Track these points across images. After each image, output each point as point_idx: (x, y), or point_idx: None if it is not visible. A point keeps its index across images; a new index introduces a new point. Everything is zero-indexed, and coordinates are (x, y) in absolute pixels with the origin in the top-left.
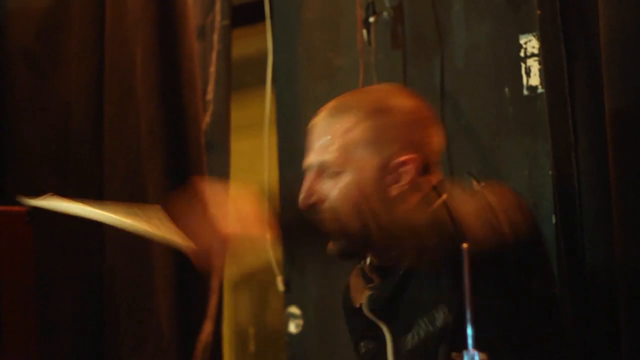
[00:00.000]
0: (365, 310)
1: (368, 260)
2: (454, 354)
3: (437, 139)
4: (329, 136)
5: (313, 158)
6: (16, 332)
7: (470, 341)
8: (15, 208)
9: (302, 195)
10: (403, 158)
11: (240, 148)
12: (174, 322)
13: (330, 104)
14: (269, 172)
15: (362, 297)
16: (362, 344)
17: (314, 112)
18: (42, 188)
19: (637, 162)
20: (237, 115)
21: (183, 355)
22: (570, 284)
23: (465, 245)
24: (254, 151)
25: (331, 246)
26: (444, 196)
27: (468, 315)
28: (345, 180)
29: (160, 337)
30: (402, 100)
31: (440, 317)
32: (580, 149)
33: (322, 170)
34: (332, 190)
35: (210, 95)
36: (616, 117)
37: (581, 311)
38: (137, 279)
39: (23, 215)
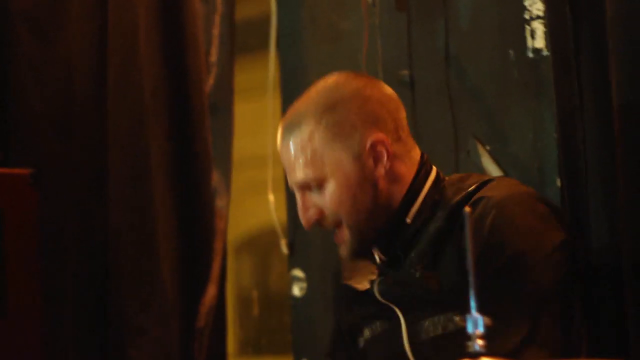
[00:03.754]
0: (376, 294)
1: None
2: (457, 318)
3: (392, 109)
4: (294, 155)
5: (292, 180)
6: (21, 295)
7: (473, 305)
8: (19, 170)
9: (301, 217)
10: (371, 140)
11: (243, 111)
12: (177, 285)
13: (283, 122)
14: (272, 135)
15: (366, 281)
16: (366, 330)
17: (318, 75)
18: (46, 151)
19: None
20: (241, 79)
21: (187, 319)
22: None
23: (467, 209)
24: (257, 115)
25: (342, 251)
26: (435, 169)
27: (471, 279)
28: (330, 187)
29: (165, 300)
30: (344, 88)
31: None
32: (585, 112)
33: (306, 187)
34: (324, 201)
35: (213, 58)
36: (622, 79)
37: (585, 276)
38: (141, 241)
39: (27, 177)
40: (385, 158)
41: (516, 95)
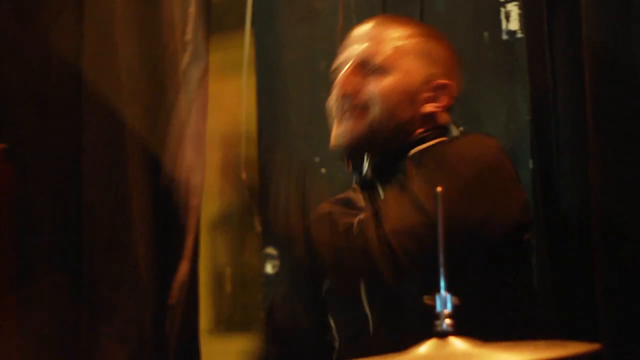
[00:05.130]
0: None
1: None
2: (426, 297)
3: (460, 83)
4: (378, 36)
5: (358, 51)
6: None
7: (442, 284)
8: None
9: (340, 82)
10: (445, 81)
11: (218, 90)
12: (150, 261)
13: (380, 17)
14: (246, 114)
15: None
16: None
17: (293, 54)
18: (21, 128)
19: (614, 107)
20: (216, 58)
21: (159, 295)
22: (546, 228)
23: (439, 188)
24: (232, 93)
25: (341, 139)
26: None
27: (441, 258)
28: (389, 79)
29: (138, 276)
30: (448, 43)
31: None
32: (558, 94)
33: (364, 65)
34: (374, 86)
35: (189, 36)
36: (594, 62)
37: (557, 255)
38: (115, 217)
39: (2, 152)
40: (440, 104)
41: (490, 76)
